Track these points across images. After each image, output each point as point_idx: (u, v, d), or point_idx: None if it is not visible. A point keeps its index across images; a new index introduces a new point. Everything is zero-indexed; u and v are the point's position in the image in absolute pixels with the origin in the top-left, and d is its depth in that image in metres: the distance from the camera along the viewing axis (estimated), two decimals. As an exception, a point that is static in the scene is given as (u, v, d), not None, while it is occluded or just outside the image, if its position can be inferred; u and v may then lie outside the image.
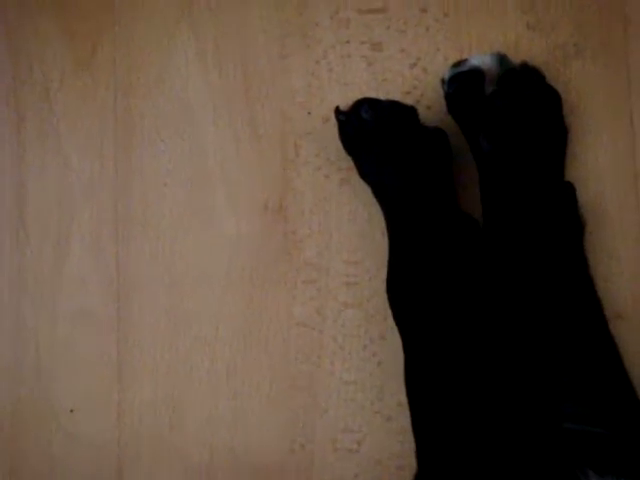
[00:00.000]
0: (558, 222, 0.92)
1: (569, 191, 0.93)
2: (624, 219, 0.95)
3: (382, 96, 0.97)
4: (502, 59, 0.92)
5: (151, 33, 1.11)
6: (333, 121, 0.97)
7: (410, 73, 1.01)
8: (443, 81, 0.95)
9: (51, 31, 1.12)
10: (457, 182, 0.96)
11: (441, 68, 0.97)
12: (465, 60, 0.93)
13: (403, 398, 0.89)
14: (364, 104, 0.95)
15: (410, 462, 0.88)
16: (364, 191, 0.99)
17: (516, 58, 0.94)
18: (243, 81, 1.05)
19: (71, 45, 1.12)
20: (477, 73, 0.92)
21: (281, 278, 1.03)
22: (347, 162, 1.00)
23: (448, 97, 0.95)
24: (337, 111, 0.95)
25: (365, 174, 0.97)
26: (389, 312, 0.93)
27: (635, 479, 0.82)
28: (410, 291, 0.91)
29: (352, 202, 1.01)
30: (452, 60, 0.95)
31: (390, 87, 1.01)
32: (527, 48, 0.98)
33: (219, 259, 1.05)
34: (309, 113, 1.02)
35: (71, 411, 1.07)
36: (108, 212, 1.07)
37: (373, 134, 0.94)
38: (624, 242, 0.95)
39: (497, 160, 0.92)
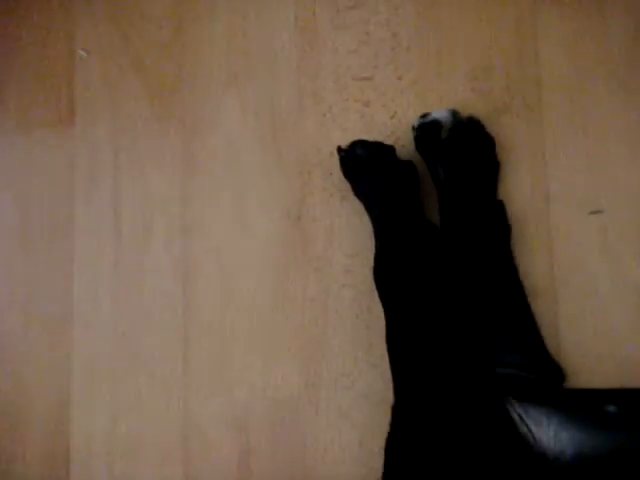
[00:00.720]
0: (493, 227, 1.01)
1: (500, 206, 1.02)
2: (538, 224, 1.03)
3: (370, 138, 1.04)
4: (454, 113, 1.02)
5: (210, 92, 1.14)
6: (336, 155, 1.06)
7: (390, 122, 1.08)
8: (413, 128, 1.03)
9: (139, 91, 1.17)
10: (422, 199, 1.04)
11: (411, 119, 1.05)
12: (428, 114, 1.02)
13: (384, 351, 0.96)
14: (358, 144, 1.03)
15: (389, 396, 0.94)
16: (358, 206, 1.07)
17: (464, 112, 1.03)
18: (272, 127, 1.12)
19: (149, 104, 1.16)
20: (436, 123, 1.01)
21: (298, 267, 1.10)
22: (346, 185, 1.07)
23: (416, 139, 1.04)
24: (339, 149, 1.05)
25: (359, 193, 1.06)
26: (375, 291, 1.00)
27: (544, 403, 0.87)
28: (390, 276, 0.99)
29: (349, 213, 1.08)
30: (419, 114, 1.03)
31: (376, 132, 1.08)
32: (472, 106, 1.05)
33: (254, 253, 1.11)
34: (319, 149, 1.10)
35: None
36: (177, 219, 1.13)
37: (364, 165, 1.03)
38: (538, 240, 1.02)
39: (450, 184, 1.02)
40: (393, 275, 0.99)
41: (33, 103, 1.20)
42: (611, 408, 0.86)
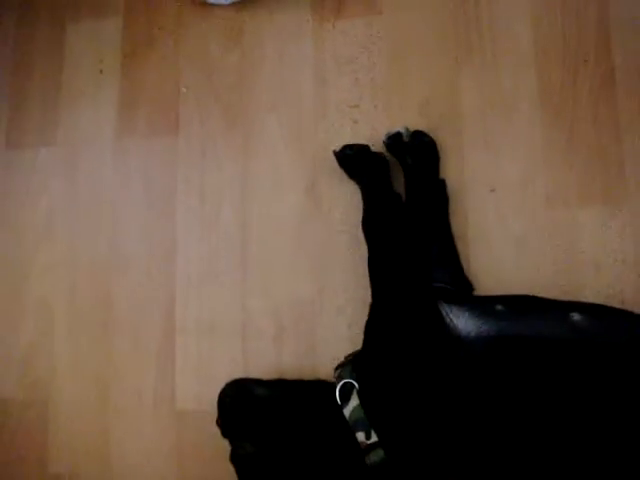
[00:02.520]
0: (437, 196, 1.03)
1: (442, 183, 1.03)
2: (459, 198, 1.04)
3: (356, 142, 1.06)
4: (407, 128, 1.03)
5: (259, 111, 1.15)
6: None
7: (370, 133, 1.09)
8: (384, 142, 1.05)
9: (216, 112, 1.17)
10: (392, 180, 1.05)
11: (383, 131, 1.05)
12: (392, 130, 1.03)
13: (366, 271, 0.99)
14: (347, 146, 1.06)
15: (368, 298, 0.98)
16: (351, 183, 1.08)
17: (414, 128, 1.04)
18: (298, 134, 1.12)
19: (223, 119, 1.17)
20: (399, 134, 1.02)
21: (312, 220, 1.10)
22: (343, 173, 1.08)
23: (387, 146, 1.05)
24: (334, 152, 1.06)
25: (351, 177, 1.07)
26: (362, 235, 1.02)
27: (460, 304, 0.91)
28: (371, 225, 1.01)
29: (346, 188, 1.08)
30: (388, 128, 1.04)
31: (360, 138, 1.08)
32: (418, 124, 1.05)
33: (285, 212, 1.11)
34: (325, 149, 1.10)
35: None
36: (238, 191, 1.14)
37: (353, 159, 1.05)
38: (459, 208, 1.04)
39: (414, 167, 1.02)
40: (374, 225, 1.02)
41: (154, 119, 1.21)
42: (499, 307, 0.89)
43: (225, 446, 0.97)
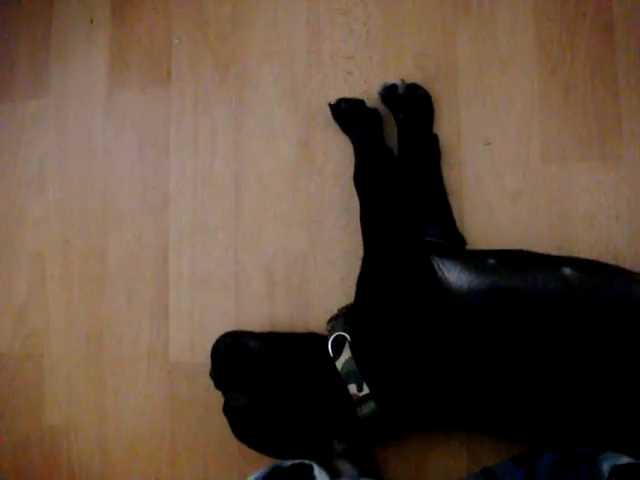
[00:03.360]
0: (429, 150, 1.02)
1: (435, 138, 1.03)
2: (454, 151, 1.04)
3: (351, 96, 1.05)
4: (403, 80, 1.02)
5: (253, 64, 1.14)
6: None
7: (364, 85, 1.07)
8: (379, 93, 1.03)
9: (210, 63, 1.16)
10: (386, 134, 1.04)
11: (377, 84, 1.04)
12: (387, 81, 1.02)
13: (358, 225, 0.98)
14: (342, 100, 1.04)
15: (360, 252, 0.97)
16: (344, 137, 1.07)
17: (410, 80, 1.03)
18: (292, 87, 1.11)
19: (217, 71, 1.17)
20: (394, 86, 1.01)
21: (306, 174, 1.09)
22: (337, 126, 1.07)
23: (382, 97, 1.03)
24: (329, 104, 1.05)
25: (344, 130, 1.06)
26: (354, 188, 1.01)
27: (453, 257, 0.91)
28: (363, 179, 1.00)
29: (339, 141, 1.07)
30: (382, 81, 1.03)
31: (355, 91, 1.07)
32: (414, 76, 1.04)
33: (279, 165, 1.10)
34: (319, 102, 1.09)
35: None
36: (232, 142, 1.13)
37: (347, 113, 1.04)
38: (454, 161, 1.03)
39: (406, 122, 1.02)
40: (365, 179, 1.01)
41: (146, 70, 1.20)
42: (491, 260, 0.89)
43: (218, 397, 0.98)
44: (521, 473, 0.77)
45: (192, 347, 1.12)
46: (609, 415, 0.82)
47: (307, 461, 0.70)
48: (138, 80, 1.20)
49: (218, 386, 0.99)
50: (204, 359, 1.01)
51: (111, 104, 1.21)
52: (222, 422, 0.97)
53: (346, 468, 0.94)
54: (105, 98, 1.21)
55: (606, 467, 0.71)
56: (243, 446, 0.97)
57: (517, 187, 1.02)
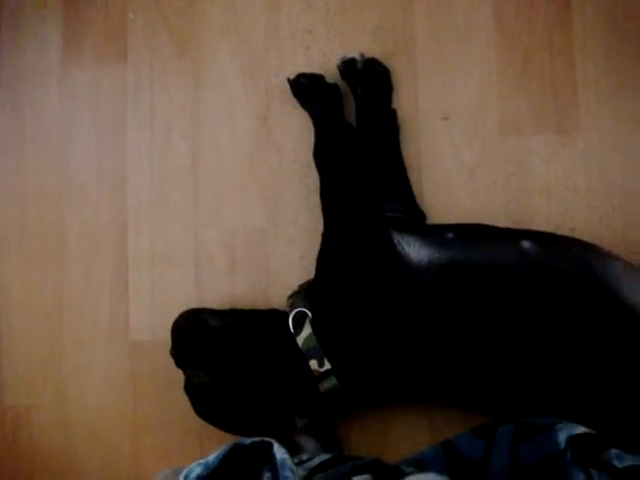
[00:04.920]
0: (387, 126, 1.02)
1: (394, 113, 1.03)
2: (412, 125, 1.04)
3: (310, 71, 1.04)
4: (362, 54, 1.00)
5: (210, 39, 1.12)
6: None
7: (322, 60, 1.06)
8: (338, 66, 1.02)
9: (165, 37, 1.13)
10: (344, 109, 1.03)
11: (335, 58, 1.02)
12: (346, 55, 1.01)
13: (318, 201, 0.98)
14: (301, 75, 1.03)
15: (320, 228, 0.96)
16: (303, 112, 1.06)
17: (368, 54, 1.02)
18: (249, 61, 1.09)
19: (172, 46, 1.14)
20: (353, 60, 1.00)
21: (265, 148, 1.07)
22: (296, 102, 1.06)
23: (341, 72, 1.02)
24: (288, 80, 1.04)
25: (304, 106, 1.05)
26: (313, 164, 1.00)
27: (412, 232, 0.91)
28: (323, 155, 1.00)
29: (298, 117, 1.06)
30: (340, 55, 1.02)
31: (314, 66, 1.06)
32: (372, 51, 1.03)
33: (238, 140, 1.08)
34: (278, 76, 1.07)
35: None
36: (189, 117, 1.10)
37: (306, 88, 1.03)
38: (412, 136, 1.03)
39: (364, 97, 1.01)
40: (325, 154, 1.00)
41: (101, 47, 1.16)
42: (450, 235, 0.89)
43: (179, 376, 0.97)
44: (480, 444, 0.78)
45: (152, 325, 1.10)
46: (567, 386, 0.82)
47: (267, 438, 0.69)
48: (93, 56, 1.16)
49: (179, 364, 0.97)
50: (165, 337, 0.99)
51: (65, 81, 1.17)
52: (184, 400, 0.95)
53: (308, 444, 0.93)
54: (59, 75, 1.17)
55: (562, 437, 0.72)
56: (205, 424, 0.96)
57: (475, 161, 1.02)
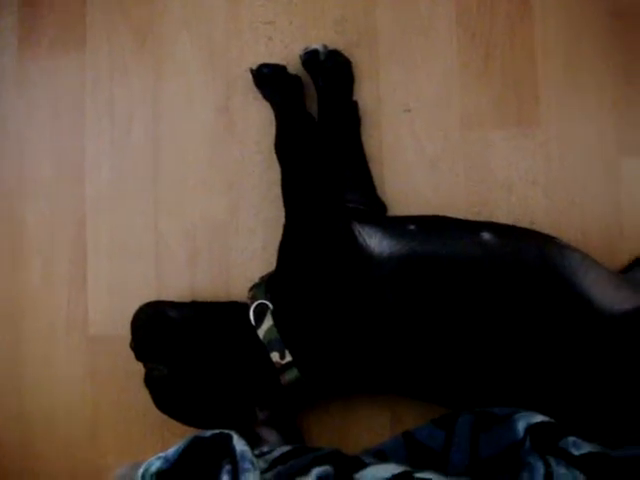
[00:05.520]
0: (349, 117, 1.02)
1: (355, 104, 1.02)
2: (374, 117, 1.03)
3: (272, 61, 1.03)
4: (325, 46, 1.00)
5: (171, 29, 1.10)
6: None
7: (284, 51, 1.05)
8: (300, 56, 1.01)
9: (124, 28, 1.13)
10: (306, 100, 1.03)
11: (298, 49, 1.02)
12: (309, 46, 1.00)
13: (279, 193, 0.98)
14: (263, 65, 1.02)
15: (282, 219, 0.96)
16: (265, 104, 1.05)
17: (331, 45, 1.01)
18: (210, 53, 1.08)
19: (132, 36, 1.13)
20: (316, 51, 1.00)
21: (226, 140, 1.06)
22: (257, 93, 1.05)
23: (303, 62, 1.01)
24: (251, 70, 1.03)
25: (265, 97, 1.04)
26: (274, 156, 1.00)
27: (373, 224, 0.91)
28: (284, 146, 1.00)
29: (260, 108, 1.05)
30: (303, 46, 1.01)
31: (276, 57, 1.05)
32: (335, 42, 1.03)
33: (199, 131, 1.07)
34: (240, 67, 1.07)
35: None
36: (150, 109, 1.09)
37: (268, 79, 1.02)
38: (374, 127, 1.03)
39: (325, 89, 1.01)
40: (286, 145, 1.00)
41: (59, 37, 1.15)
42: (411, 226, 0.89)
43: (139, 369, 0.96)
44: (440, 434, 0.78)
45: (112, 318, 1.09)
46: (526, 375, 0.83)
47: (227, 431, 0.69)
48: (51, 46, 1.15)
49: (139, 357, 0.96)
50: (124, 330, 0.97)
51: (22, 72, 1.15)
52: (144, 394, 0.94)
53: (269, 436, 0.94)
54: (16, 66, 1.15)
55: (521, 426, 0.73)
56: (166, 418, 0.95)
57: (437, 153, 1.02)
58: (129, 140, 1.11)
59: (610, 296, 0.83)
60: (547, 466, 0.66)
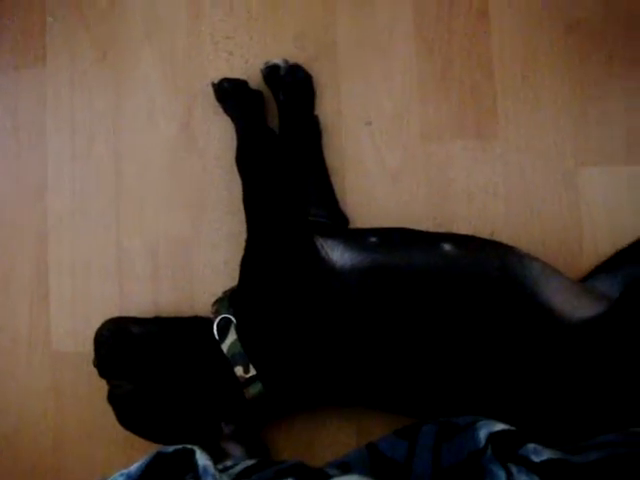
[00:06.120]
0: (311, 132, 1.03)
1: (316, 118, 1.03)
2: (335, 131, 1.04)
3: (233, 76, 1.03)
4: (286, 60, 1.01)
5: (133, 44, 1.10)
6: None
7: (245, 66, 1.06)
8: (261, 70, 1.02)
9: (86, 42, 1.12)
10: (268, 114, 1.04)
11: (258, 64, 1.03)
12: (270, 60, 1.01)
13: (241, 206, 0.97)
14: (224, 80, 1.03)
15: (244, 233, 0.96)
16: (226, 118, 1.05)
17: (291, 60, 1.02)
18: (172, 67, 1.09)
19: (93, 50, 1.13)
20: (276, 66, 1.01)
21: (187, 154, 1.07)
22: (218, 107, 1.05)
23: (264, 77, 1.03)
24: (212, 84, 1.04)
25: (226, 111, 1.04)
26: (235, 169, 0.99)
27: (336, 237, 0.91)
28: (245, 160, 0.99)
29: (220, 122, 1.05)
30: (264, 61, 1.02)
31: (237, 71, 1.05)
32: (295, 56, 1.03)
33: (160, 146, 1.08)
34: (201, 82, 1.07)
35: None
36: (111, 123, 1.10)
37: (229, 94, 1.03)
38: (336, 140, 1.03)
39: (287, 104, 1.01)
40: (247, 160, 1.00)
41: (20, 51, 1.15)
42: (373, 238, 0.90)
43: (103, 386, 0.95)
44: (403, 445, 0.78)
45: (75, 335, 1.09)
46: (488, 385, 0.84)
47: (189, 445, 0.68)
48: (11, 60, 1.15)
49: (102, 374, 0.96)
50: (87, 347, 0.98)
51: (-18, 89, 1.14)
52: (108, 410, 0.94)
53: (235, 450, 0.94)
54: (-25, 83, 1.15)
55: (483, 435, 0.72)
56: (130, 434, 0.95)
57: (397, 166, 1.03)
58: (90, 156, 1.11)
59: (571, 304, 0.84)
60: (508, 474, 0.66)
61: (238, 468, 0.75)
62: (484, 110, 1.03)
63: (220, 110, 1.06)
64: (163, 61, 1.10)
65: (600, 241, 0.98)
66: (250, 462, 0.77)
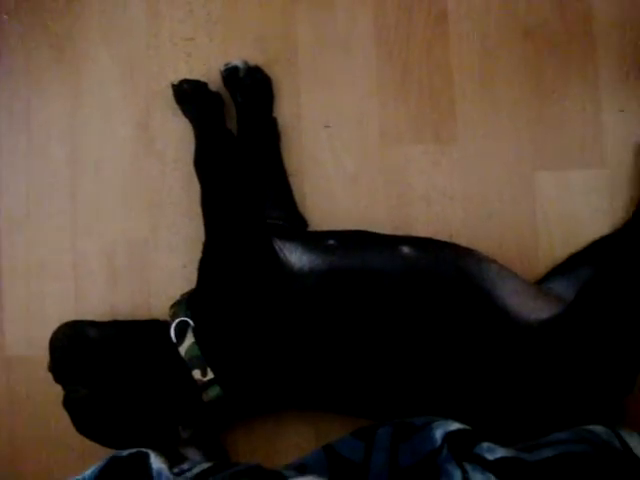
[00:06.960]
0: (268, 133, 1.03)
1: (274, 121, 1.04)
2: (294, 134, 1.05)
3: (192, 77, 1.03)
4: (245, 62, 1.02)
5: (89, 45, 1.10)
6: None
7: (204, 67, 1.06)
8: (220, 72, 1.02)
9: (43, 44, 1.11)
10: (227, 116, 1.03)
11: (217, 66, 1.03)
12: (230, 62, 1.01)
13: (199, 209, 0.97)
14: (184, 81, 1.02)
15: (201, 236, 0.95)
16: (185, 120, 1.04)
17: (251, 62, 1.03)
18: (130, 68, 1.08)
19: (51, 50, 1.12)
20: (236, 68, 1.01)
21: (146, 157, 1.06)
22: (177, 109, 1.05)
23: (223, 78, 1.03)
24: (172, 85, 1.03)
25: (185, 113, 1.04)
26: (194, 172, 0.99)
27: (294, 239, 0.92)
28: (203, 163, 0.99)
29: (179, 125, 1.05)
30: (223, 63, 1.02)
31: (196, 73, 1.06)
32: (255, 58, 1.04)
33: (120, 150, 1.07)
34: (160, 83, 1.07)
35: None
36: (67, 126, 1.09)
37: (188, 95, 1.02)
38: (295, 143, 1.04)
39: (245, 106, 1.02)
40: (205, 162, 1.00)
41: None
42: (331, 241, 0.91)
43: (58, 391, 0.94)
44: (360, 446, 0.79)
45: (29, 339, 1.08)
46: (446, 386, 0.86)
47: (144, 449, 0.69)
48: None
49: (58, 379, 0.95)
50: (42, 352, 0.96)
51: None
52: (63, 416, 0.93)
53: (193, 454, 0.94)
54: None
55: (439, 434, 0.74)
56: (86, 440, 0.94)
57: (356, 169, 1.04)
58: (46, 156, 1.10)
59: (527, 306, 0.87)
60: (464, 472, 0.68)
61: (194, 471, 0.76)
62: (443, 114, 1.05)
63: (179, 112, 1.06)
64: (121, 61, 1.10)
65: (556, 244, 1.00)
66: (206, 465, 0.78)
